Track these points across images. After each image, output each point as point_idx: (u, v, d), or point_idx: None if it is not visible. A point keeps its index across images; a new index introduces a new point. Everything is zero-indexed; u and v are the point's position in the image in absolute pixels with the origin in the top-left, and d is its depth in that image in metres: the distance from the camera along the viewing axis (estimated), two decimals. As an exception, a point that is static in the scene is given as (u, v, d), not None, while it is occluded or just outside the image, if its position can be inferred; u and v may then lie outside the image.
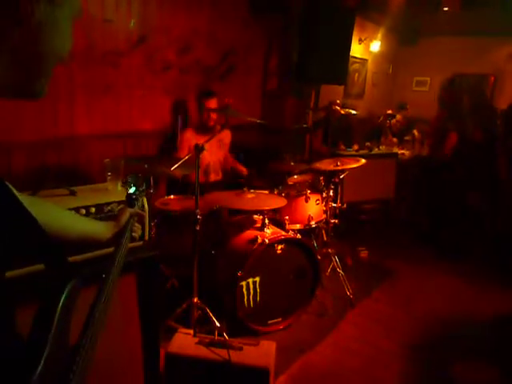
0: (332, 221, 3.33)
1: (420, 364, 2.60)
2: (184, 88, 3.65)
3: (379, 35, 6.42)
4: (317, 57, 4.15)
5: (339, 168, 3.22)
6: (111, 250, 1.08)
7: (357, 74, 6.41)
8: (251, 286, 2.62)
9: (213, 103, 3.30)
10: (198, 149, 2.30)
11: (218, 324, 2.39)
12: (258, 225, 2.87)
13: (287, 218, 3.01)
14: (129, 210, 1.24)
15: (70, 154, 2.95)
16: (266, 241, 2.60)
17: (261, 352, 2.09)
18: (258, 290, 2.66)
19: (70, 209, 1.53)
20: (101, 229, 1.19)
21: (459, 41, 6.42)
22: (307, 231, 3.31)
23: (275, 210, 3.01)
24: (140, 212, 1.27)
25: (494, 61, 6.27)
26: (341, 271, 3.25)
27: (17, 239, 0.65)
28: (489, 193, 4.43)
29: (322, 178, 3.32)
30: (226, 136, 3.60)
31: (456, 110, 4.28)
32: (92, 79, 2.98)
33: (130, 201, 1.28)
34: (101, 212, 1.65)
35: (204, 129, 3.36)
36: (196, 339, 2.15)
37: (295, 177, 3.43)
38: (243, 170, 3.64)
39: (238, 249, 2.73)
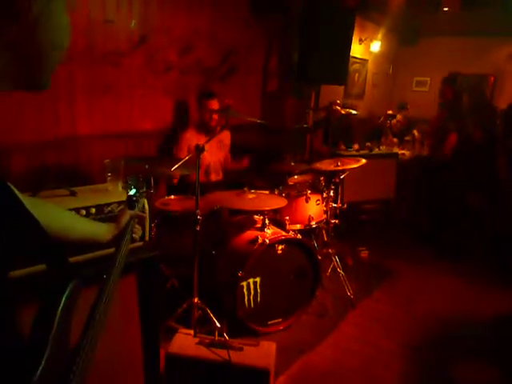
0: (332, 221, 3.33)
1: (420, 364, 2.61)
2: (184, 88, 3.65)
3: (379, 35, 6.42)
4: (317, 57, 4.14)
5: (339, 168, 3.22)
6: (112, 250, 1.09)
7: (357, 74, 6.41)
8: (251, 286, 2.62)
9: (214, 104, 3.31)
10: (199, 149, 2.30)
11: (218, 324, 2.39)
12: (259, 225, 2.88)
13: (288, 218, 3.01)
14: (129, 212, 1.24)
15: (70, 154, 2.95)
16: (267, 241, 2.60)
17: (261, 352, 2.10)
18: (259, 290, 2.66)
19: (70, 209, 1.52)
20: (101, 230, 1.19)
21: (459, 41, 6.43)
22: (307, 231, 3.31)
23: (276, 211, 3.01)
24: (140, 214, 1.28)
25: (494, 61, 6.27)
26: (341, 271, 3.26)
27: (19, 240, 0.66)
28: (489, 193, 4.43)
29: (322, 178, 3.32)
30: (226, 137, 3.61)
31: (456, 110, 4.28)
32: (93, 79, 2.98)
33: (131, 202, 1.28)
34: (101, 213, 1.65)
35: (204, 129, 3.37)
36: (196, 339, 2.15)
37: (296, 177, 3.43)
38: (243, 164, 3.63)
39: (239, 249, 2.73)
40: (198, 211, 2.33)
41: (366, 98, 6.79)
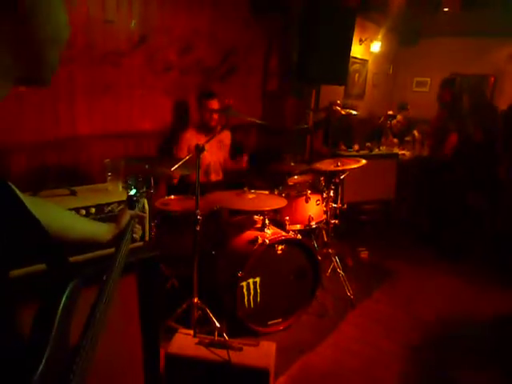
0: (332, 221, 3.33)
1: (420, 364, 2.60)
2: (184, 88, 3.65)
3: (380, 36, 6.42)
4: (317, 57, 4.14)
5: (340, 168, 3.22)
6: (112, 250, 1.09)
7: (357, 75, 6.41)
8: (251, 286, 2.62)
9: (214, 104, 3.31)
10: (199, 149, 2.30)
11: (218, 324, 2.39)
12: (259, 225, 2.88)
13: (287, 218, 3.01)
14: (129, 212, 1.24)
15: (70, 154, 2.95)
16: (267, 241, 2.60)
17: (261, 353, 2.09)
18: (259, 290, 2.65)
19: (71, 209, 1.53)
20: (101, 230, 1.19)
21: (459, 41, 6.43)
22: (307, 232, 3.31)
23: (276, 211, 3.01)
24: (140, 214, 1.28)
25: (494, 61, 6.27)
26: (341, 272, 3.25)
27: (20, 239, 0.65)
28: (489, 193, 4.43)
29: (322, 178, 3.32)
30: (226, 137, 3.60)
31: (456, 110, 4.27)
32: (93, 79, 2.98)
33: (131, 202, 1.28)
34: (101, 212, 1.65)
35: (204, 129, 3.36)
36: (196, 340, 2.15)
37: (296, 177, 3.43)
38: (242, 165, 3.61)
39: (239, 249, 2.73)
40: (197, 211, 2.33)
41: (366, 99, 6.79)
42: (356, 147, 4.68)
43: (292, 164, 3.53)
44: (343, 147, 4.69)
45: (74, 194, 1.70)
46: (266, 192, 3.02)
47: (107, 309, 0.88)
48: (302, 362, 2.52)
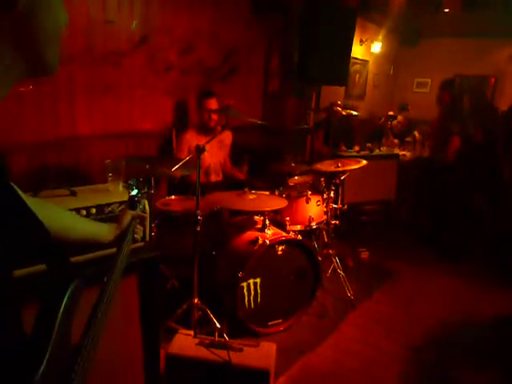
0: (333, 222, 3.33)
1: (421, 365, 2.60)
2: (185, 89, 3.65)
3: (380, 36, 6.43)
4: (317, 57, 4.14)
5: (340, 169, 3.22)
6: (113, 250, 1.09)
7: (358, 75, 6.42)
8: (252, 286, 2.62)
9: (213, 103, 3.30)
10: (199, 150, 2.30)
11: (218, 325, 2.39)
12: (259, 226, 2.87)
13: (288, 219, 3.01)
14: (131, 213, 1.24)
15: (70, 154, 2.95)
16: (267, 242, 2.60)
17: (261, 353, 2.09)
18: (259, 290, 2.65)
19: (71, 209, 1.52)
20: (102, 230, 1.19)
21: (460, 42, 6.43)
22: (308, 232, 3.31)
23: (276, 211, 3.01)
24: (142, 214, 1.28)
25: (495, 62, 6.28)
26: (341, 272, 3.25)
27: (23, 240, 0.65)
28: (489, 193, 4.43)
29: (322, 179, 3.32)
30: (227, 137, 3.60)
31: (456, 111, 4.27)
32: (93, 80, 2.98)
33: (132, 203, 1.28)
34: (101, 213, 1.64)
35: (204, 130, 3.36)
36: (196, 340, 2.15)
37: (296, 178, 3.43)
38: (239, 175, 3.62)
39: (239, 250, 2.73)
40: (198, 212, 2.33)
41: (367, 99, 6.79)
42: (356, 148, 4.69)
43: (292, 164, 3.53)
44: (344, 148, 4.69)
45: (74, 194, 1.70)
46: (267, 192, 3.02)
47: (108, 309, 0.88)
48: (303, 363, 2.52)
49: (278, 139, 4.51)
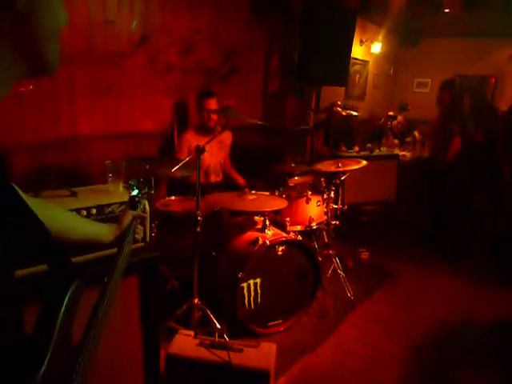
0: (333, 222, 3.33)
1: (421, 365, 2.60)
2: (186, 89, 3.65)
3: (380, 36, 6.43)
4: (317, 57, 4.14)
5: (340, 169, 3.22)
6: (114, 251, 1.09)
7: (358, 76, 6.42)
8: (252, 287, 2.62)
9: (212, 103, 3.29)
10: (199, 150, 2.30)
11: (218, 325, 2.39)
12: (259, 226, 2.87)
13: (288, 219, 3.01)
14: (131, 213, 1.24)
15: (71, 154, 2.95)
16: (267, 242, 2.60)
17: (261, 354, 2.09)
18: (259, 291, 2.65)
19: (71, 210, 1.52)
20: (103, 231, 1.19)
21: (460, 42, 6.44)
22: (308, 233, 3.31)
23: (276, 212, 3.01)
24: (142, 214, 1.28)
25: (495, 62, 6.28)
26: (342, 273, 3.25)
27: (23, 240, 0.65)
28: (489, 193, 4.43)
29: (323, 179, 3.32)
30: (227, 137, 3.59)
31: (456, 111, 4.28)
32: (93, 80, 2.98)
33: (133, 203, 1.28)
34: (102, 213, 1.64)
35: (204, 130, 3.35)
36: (196, 341, 2.15)
37: (296, 178, 3.43)
38: (240, 180, 3.60)
39: (239, 250, 2.73)
40: (198, 212, 2.33)
41: (367, 100, 6.79)
42: (356, 148, 4.69)
43: (292, 165, 3.53)
44: (344, 148, 4.69)
45: (74, 194, 1.70)
46: (267, 193, 3.02)
47: (109, 309, 0.88)
48: (303, 363, 2.52)
49: (278, 139, 4.51)
